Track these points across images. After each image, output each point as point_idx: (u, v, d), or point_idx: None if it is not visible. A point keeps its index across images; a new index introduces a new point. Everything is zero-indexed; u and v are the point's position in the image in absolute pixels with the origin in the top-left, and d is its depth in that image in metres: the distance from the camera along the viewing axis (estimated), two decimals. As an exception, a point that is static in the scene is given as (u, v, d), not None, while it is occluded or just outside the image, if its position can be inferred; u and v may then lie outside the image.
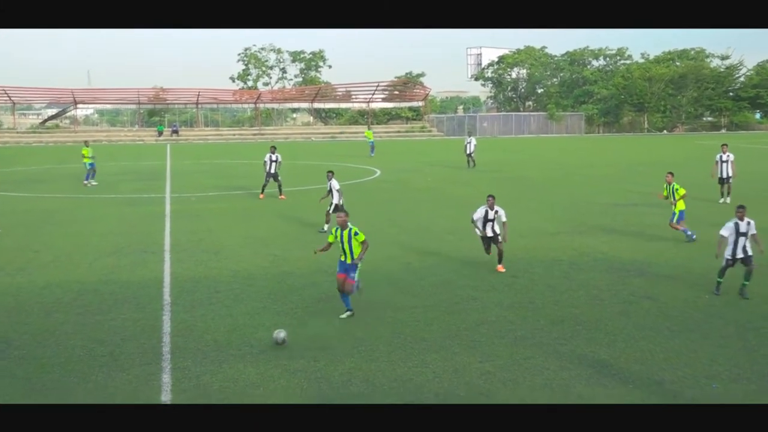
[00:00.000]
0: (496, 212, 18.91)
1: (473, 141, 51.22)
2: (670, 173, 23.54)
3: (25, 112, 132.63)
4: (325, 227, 24.96)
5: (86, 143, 44.53)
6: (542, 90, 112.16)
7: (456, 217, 27.02)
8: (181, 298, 16.65)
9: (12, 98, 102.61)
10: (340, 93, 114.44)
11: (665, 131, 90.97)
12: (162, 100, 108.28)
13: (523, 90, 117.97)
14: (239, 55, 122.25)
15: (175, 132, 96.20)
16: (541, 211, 29.29)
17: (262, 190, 34.19)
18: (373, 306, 15.96)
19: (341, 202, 25.16)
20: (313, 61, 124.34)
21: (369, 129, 69.00)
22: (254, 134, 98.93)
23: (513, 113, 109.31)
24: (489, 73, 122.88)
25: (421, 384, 11.68)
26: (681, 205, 22.92)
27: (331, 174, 25.87)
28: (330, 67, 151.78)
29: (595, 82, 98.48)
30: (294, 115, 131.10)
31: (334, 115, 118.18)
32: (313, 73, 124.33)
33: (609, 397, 11.09)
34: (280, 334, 13.29)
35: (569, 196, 33.79)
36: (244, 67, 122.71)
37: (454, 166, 50.84)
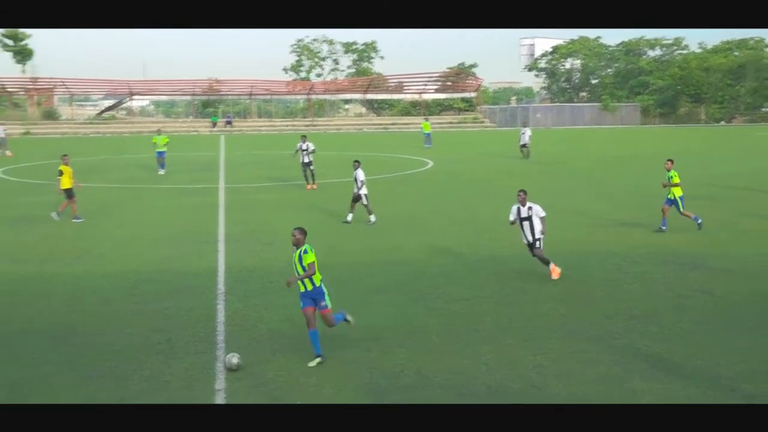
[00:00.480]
0: (530, 208, 17.17)
1: (528, 132, 50.95)
2: (670, 160, 23.36)
3: (82, 103, 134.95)
4: (349, 217, 24.99)
5: (159, 131, 45.54)
6: (596, 80, 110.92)
7: (506, 208, 26.86)
8: (235, 288, 16.83)
9: (70, 90, 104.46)
10: (392, 84, 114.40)
11: (723, 122, 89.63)
12: (216, 91, 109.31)
13: (577, 80, 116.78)
14: (292, 46, 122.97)
15: (229, 123, 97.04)
16: (594, 203, 29.01)
17: (308, 181, 34.37)
18: (425, 297, 15.98)
19: (365, 192, 25.11)
20: (366, 52, 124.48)
21: (426, 120, 68.69)
22: (307, 125, 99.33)
23: (567, 104, 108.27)
24: (542, 64, 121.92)
25: (473, 376, 11.67)
26: (679, 191, 22.88)
27: (357, 163, 25.78)
28: (382, 58, 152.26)
29: (651, 73, 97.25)
30: (346, 106, 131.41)
31: (387, 106, 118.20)
32: (365, 64, 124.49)
33: (664, 391, 10.97)
34: (233, 359, 11.82)
35: (624, 188, 33.42)
36: (297, 58, 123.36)
37: (507, 157, 50.55)
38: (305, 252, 12.16)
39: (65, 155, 27.44)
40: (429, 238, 22.41)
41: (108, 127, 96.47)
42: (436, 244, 21.50)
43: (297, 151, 34.98)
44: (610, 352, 12.69)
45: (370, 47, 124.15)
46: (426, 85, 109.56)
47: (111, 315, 15.02)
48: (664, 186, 23.24)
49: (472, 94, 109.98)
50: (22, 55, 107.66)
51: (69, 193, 26.47)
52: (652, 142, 65.05)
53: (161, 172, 42.10)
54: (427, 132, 63.37)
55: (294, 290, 15.88)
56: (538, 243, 17.21)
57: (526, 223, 17.12)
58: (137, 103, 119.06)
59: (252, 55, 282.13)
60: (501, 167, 44.68)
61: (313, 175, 34.22)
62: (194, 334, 13.77)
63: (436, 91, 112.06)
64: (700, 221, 23.19)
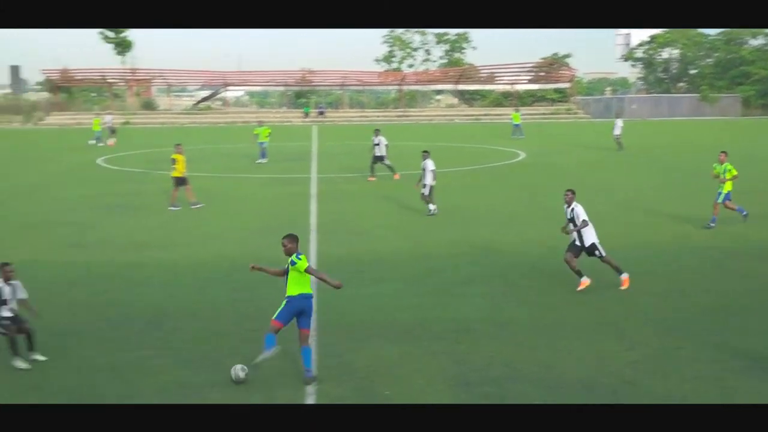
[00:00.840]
0: (573, 209, 15.85)
1: (619, 123, 50.09)
2: (724, 152, 22.51)
3: (179, 94, 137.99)
4: (431, 207, 24.86)
5: (260, 123, 46.56)
6: (695, 71, 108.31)
7: (600, 202, 26.49)
8: (327, 277, 16.95)
9: (168, 81, 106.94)
10: (484, 75, 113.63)
11: None
12: (308, 82, 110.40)
13: (674, 71, 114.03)
14: (384, 37, 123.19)
15: (321, 113, 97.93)
16: (692, 197, 28.29)
17: (372, 173, 34.54)
18: (516, 289, 15.86)
19: (431, 184, 24.97)
20: (458, 42, 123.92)
21: (516, 111, 68.12)
22: (398, 116, 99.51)
23: (664, 95, 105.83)
24: (639, 54, 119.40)
25: (564, 370, 11.53)
26: (729, 186, 22.11)
27: (426, 154, 25.61)
28: (474, 48, 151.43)
29: (753, 62, 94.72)
30: (437, 97, 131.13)
31: (478, 97, 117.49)
32: (457, 55, 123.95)
33: (765, 391, 10.65)
34: (240, 373, 11.14)
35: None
36: (389, 49, 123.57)
37: (601, 149, 49.72)
38: (296, 260, 11.22)
39: (179, 144, 28.10)
40: (520, 230, 22.23)
41: (204, 117, 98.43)
42: (528, 236, 21.31)
43: (374, 145, 35.18)
44: (707, 349, 12.38)
45: (463, 38, 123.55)
46: (518, 75, 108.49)
47: (206, 301, 15.35)
48: (718, 179, 22.54)
49: (566, 85, 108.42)
50: (122, 46, 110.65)
51: (180, 181, 27.11)
52: (753, 134, 63.06)
53: (263, 161, 43.11)
54: (516, 123, 62.91)
55: (382, 281, 15.97)
56: (592, 248, 15.98)
57: (571, 225, 15.95)
58: (232, 93, 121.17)
59: (344, 46, 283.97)
60: (594, 159, 43.98)
61: (390, 167, 34.28)
62: (286, 321, 13.93)
63: (529, 81, 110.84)
64: (745, 213, 22.65)
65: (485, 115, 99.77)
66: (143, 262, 18.92)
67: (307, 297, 11.21)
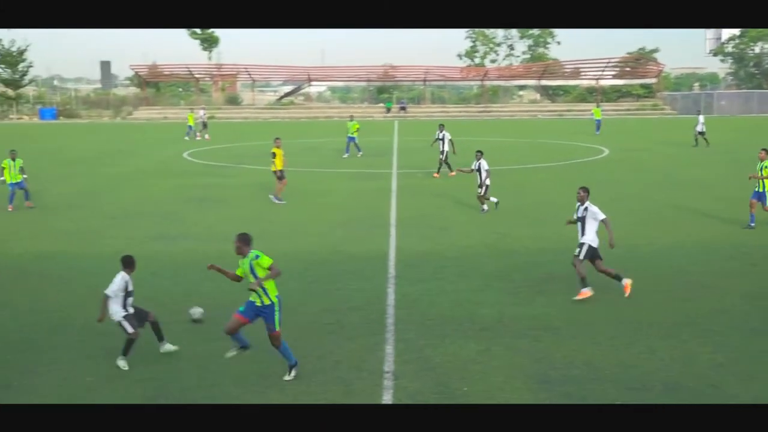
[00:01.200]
0: (586, 209, 15.13)
1: (701, 119, 49.10)
2: (764, 150, 21.47)
3: (263, 89, 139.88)
4: (485, 207, 24.56)
5: (351, 118, 47.08)
6: None
7: (687, 199, 25.90)
8: (406, 272, 17.00)
9: (252, 76, 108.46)
10: (568, 70, 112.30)
11: None
12: (391, 77, 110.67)
13: (766, 66, 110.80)
14: (467, 32, 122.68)
15: (403, 109, 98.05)
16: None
17: (439, 169, 34.34)
18: (598, 288, 15.60)
19: (488, 183, 24.69)
20: (542, 37, 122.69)
21: (597, 107, 67.20)
22: (480, 111, 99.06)
23: (755, 91, 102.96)
24: (729, 48, 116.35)
25: (647, 371, 11.29)
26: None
27: (479, 154, 25.30)
28: (559, 43, 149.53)
29: None
30: (520, 93, 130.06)
31: (562, 92, 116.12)
32: (541, 50, 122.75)
33: None
34: (196, 311, 13.05)
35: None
36: (471, 44, 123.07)
37: (687, 146, 48.61)
38: (256, 258, 10.74)
39: (278, 138, 28.50)
40: (602, 229, 21.80)
41: (287, 112, 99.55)
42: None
43: (435, 140, 35.03)
44: (796, 354, 11.98)
45: (547, 33, 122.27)
46: (603, 70, 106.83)
47: (285, 294, 15.44)
48: (752, 178, 21.72)
49: (653, 80, 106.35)
50: (209, 42, 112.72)
51: (280, 175, 27.47)
52: None
53: (347, 155, 43.73)
54: (598, 119, 62.08)
55: (463, 276, 15.91)
56: (578, 250, 15.15)
57: (579, 224, 15.19)
58: (315, 89, 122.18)
59: (427, 42, 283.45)
60: (680, 156, 43.01)
61: (448, 164, 34.10)
62: (365, 316, 14.00)
63: (614, 77, 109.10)
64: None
65: (568, 111, 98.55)
66: (225, 254, 19.18)
67: (266, 305, 11.04)
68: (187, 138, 58.08)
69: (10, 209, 25.75)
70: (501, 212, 24.67)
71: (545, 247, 19.47)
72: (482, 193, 24.77)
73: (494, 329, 13.15)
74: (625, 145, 50.01)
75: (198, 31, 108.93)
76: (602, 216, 14.86)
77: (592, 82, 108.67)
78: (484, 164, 25.00)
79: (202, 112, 63.08)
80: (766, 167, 21.35)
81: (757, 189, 21.53)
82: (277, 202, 26.95)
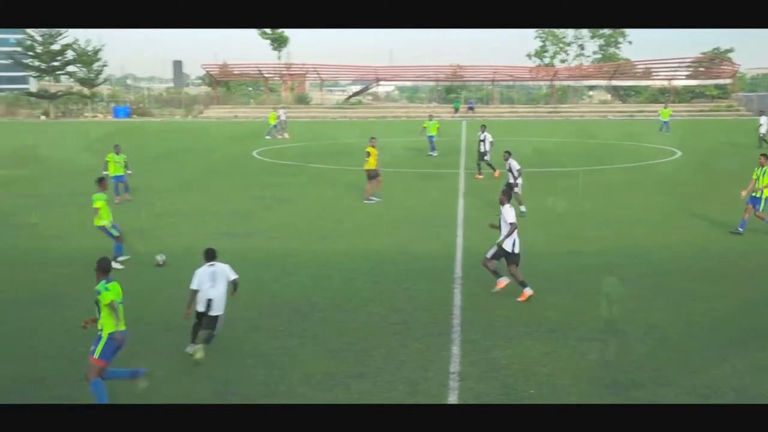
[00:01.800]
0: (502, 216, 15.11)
1: (763, 121, 48.02)
2: (763, 155, 20.76)
3: (331, 88, 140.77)
4: (523, 209, 24.23)
5: (430, 117, 47.36)
6: None
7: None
8: (473, 273, 16.95)
9: (321, 76, 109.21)
10: (639, 70, 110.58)
11: None
12: (459, 77, 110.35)
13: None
14: (537, 31, 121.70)
15: (471, 109, 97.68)
16: None
17: (479, 170, 34.17)
18: (666, 292, 15.37)
19: (520, 182, 24.43)
20: (613, 37, 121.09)
21: (665, 107, 66.05)
22: (549, 112, 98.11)
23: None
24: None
25: (717, 378, 11.08)
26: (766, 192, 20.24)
27: (507, 154, 24.98)
28: (630, 43, 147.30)
29: None
30: (590, 93, 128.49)
31: (633, 93, 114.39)
32: (612, 50, 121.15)
33: None
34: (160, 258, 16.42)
35: None
36: (541, 44, 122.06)
37: (753, 147, 47.46)
38: (98, 293, 9.96)
39: (373, 138, 28.79)
40: (673, 232, 21.52)
41: (354, 111, 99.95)
42: (680, 238, 20.61)
43: (479, 141, 34.89)
44: None
45: (618, 32, 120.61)
46: (676, 71, 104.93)
47: (352, 293, 15.59)
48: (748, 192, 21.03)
49: (727, 81, 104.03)
50: (278, 42, 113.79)
51: (373, 174, 27.65)
52: None
53: (433, 154, 44.22)
54: (665, 120, 61.03)
55: (528, 277, 15.81)
56: (492, 249, 15.06)
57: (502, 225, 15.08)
58: (383, 88, 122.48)
59: (496, 41, 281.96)
60: (754, 159, 41.97)
61: (490, 165, 33.83)
62: (431, 316, 14.01)
63: (688, 77, 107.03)
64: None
65: (639, 111, 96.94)
66: (292, 252, 19.40)
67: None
68: (268, 137, 58.70)
69: (117, 201, 26.60)
70: (567, 214, 24.43)
71: (612, 248, 19.23)
72: (517, 191, 24.62)
73: (561, 331, 13.05)
74: (698, 147, 49.06)
75: (268, 31, 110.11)
76: (511, 220, 14.65)
77: (664, 83, 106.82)
78: (515, 164, 24.90)
79: (282, 112, 63.88)
80: (766, 173, 20.76)
81: (754, 194, 21.01)
82: (370, 201, 27.10)
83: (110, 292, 9.83)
